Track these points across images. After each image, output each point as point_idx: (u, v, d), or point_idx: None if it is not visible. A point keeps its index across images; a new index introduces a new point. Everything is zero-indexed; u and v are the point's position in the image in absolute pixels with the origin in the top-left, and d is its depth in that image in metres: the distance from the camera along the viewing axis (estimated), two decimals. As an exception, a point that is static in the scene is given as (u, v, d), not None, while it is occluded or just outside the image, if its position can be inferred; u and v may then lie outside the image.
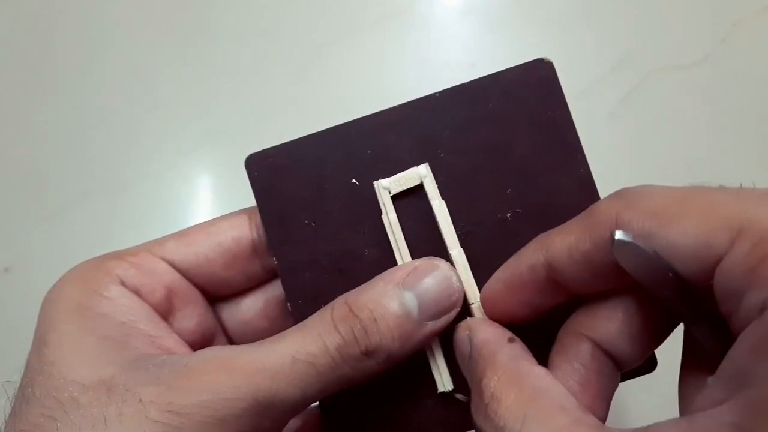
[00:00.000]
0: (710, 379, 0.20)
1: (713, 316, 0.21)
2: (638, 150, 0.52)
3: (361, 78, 0.55)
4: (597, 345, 0.24)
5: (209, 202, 0.54)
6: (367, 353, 0.25)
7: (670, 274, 0.22)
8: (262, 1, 0.58)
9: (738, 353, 0.19)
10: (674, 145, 0.51)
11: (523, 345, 0.25)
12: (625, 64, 0.54)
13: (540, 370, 0.23)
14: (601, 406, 0.25)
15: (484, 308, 0.28)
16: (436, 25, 0.56)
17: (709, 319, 0.22)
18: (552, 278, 0.24)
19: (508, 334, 0.26)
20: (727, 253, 0.20)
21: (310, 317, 0.26)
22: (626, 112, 0.53)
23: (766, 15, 0.54)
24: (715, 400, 0.19)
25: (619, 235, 0.22)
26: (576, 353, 0.25)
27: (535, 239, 0.25)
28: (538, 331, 0.26)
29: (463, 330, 0.26)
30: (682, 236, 0.20)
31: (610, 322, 0.24)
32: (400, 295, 0.26)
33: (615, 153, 0.52)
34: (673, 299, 0.22)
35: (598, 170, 0.29)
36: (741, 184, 0.21)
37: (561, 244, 0.24)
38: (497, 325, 0.27)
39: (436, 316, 0.26)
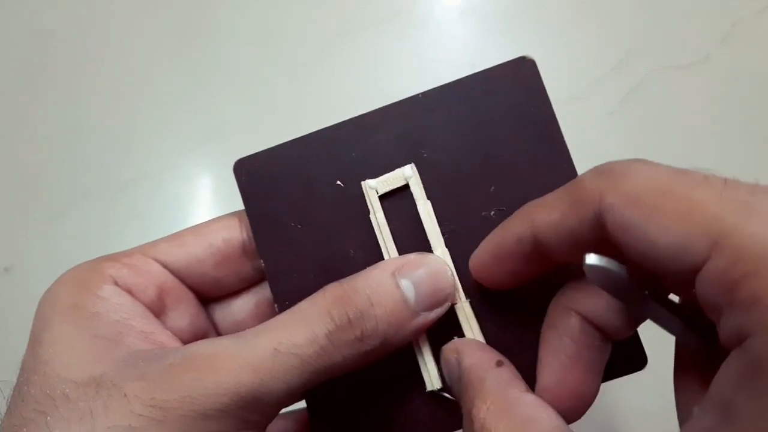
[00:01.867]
0: (696, 409, 0.20)
1: (697, 320, 0.21)
2: (638, 149, 0.52)
3: (361, 78, 0.55)
4: (585, 319, 0.25)
5: (208, 201, 0.54)
6: (362, 338, 0.25)
7: (646, 292, 0.22)
8: (262, 1, 0.58)
9: (722, 384, 0.19)
10: (674, 145, 0.51)
11: (511, 368, 0.25)
12: (626, 63, 0.54)
13: (529, 398, 0.24)
14: (591, 378, 0.25)
15: (472, 276, 0.28)
16: (435, 25, 0.56)
17: (693, 323, 0.22)
18: (538, 249, 0.24)
19: (497, 357, 0.26)
20: (705, 263, 0.19)
21: (298, 303, 0.26)
22: (626, 112, 0.53)
23: (766, 15, 0.54)
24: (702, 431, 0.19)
25: (590, 260, 0.21)
26: (565, 328, 0.25)
27: (521, 210, 0.25)
28: (533, 301, 0.27)
29: (450, 353, 0.27)
30: (661, 234, 0.20)
31: (596, 296, 0.24)
32: (397, 281, 0.26)
33: (615, 152, 0.52)
34: (650, 314, 0.23)
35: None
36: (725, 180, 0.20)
37: (547, 220, 0.24)
38: (485, 347, 0.27)
39: (431, 306, 0.26)
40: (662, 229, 0.20)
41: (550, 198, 0.24)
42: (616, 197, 0.21)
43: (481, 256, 0.27)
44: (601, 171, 0.23)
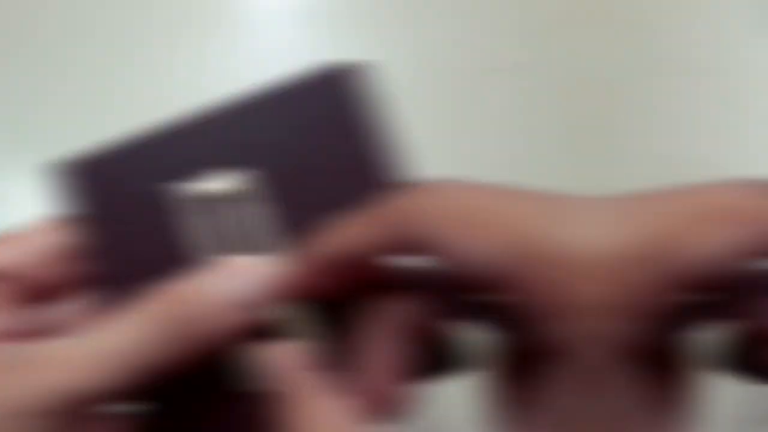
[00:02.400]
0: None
1: (515, 318, 0.22)
2: (457, 152, 0.54)
3: (183, 78, 0.55)
4: (400, 323, 0.25)
5: (25, 202, 0.50)
6: (188, 337, 0.25)
7: (459, 291, 0.23)
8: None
9: (546, 387, 0.21)
10: (490, 148, 0.54)
11: (326, 375, 0.26)
12: (446, 66, 0.56)
13: (339, 405, 0.24)
14: (409, 382, 0.26)
15: (280, 289, 0.28)
16: (262, 24, 0.57)
17: (511, 321, 0.23)
18: (347, 267, 0.25)
19: (311, 362, 0.26)
20: (512, 272, 0.20)
21: (125, 305, 0.26)
22: (445, 115, 0.54)
23: (583, 21, 0.57)
24: None
25: (398, 260, 0.23)
26: (379, 333, 0.25)
27: (327, 228, 0.26)
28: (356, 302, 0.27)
29: (266, 358, 0.27)
30: (467, 249, 0.21)
31: (412, 300, 0.25)
32: (220, 282, 0.26)
33: (434, 154, 0.54)
34: (465, 313, 0.24)
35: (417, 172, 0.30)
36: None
37: (354, 239, 0.24)
38: (301, 352, 0.27)
39: (255, 307, 0.27)
40: (467, 244, 0.21)
41: (358, 217, 0.25)
42: (421, 216, 0.22)
43: (288, 272, 0.27)
44: (407, 191, 0.24)
